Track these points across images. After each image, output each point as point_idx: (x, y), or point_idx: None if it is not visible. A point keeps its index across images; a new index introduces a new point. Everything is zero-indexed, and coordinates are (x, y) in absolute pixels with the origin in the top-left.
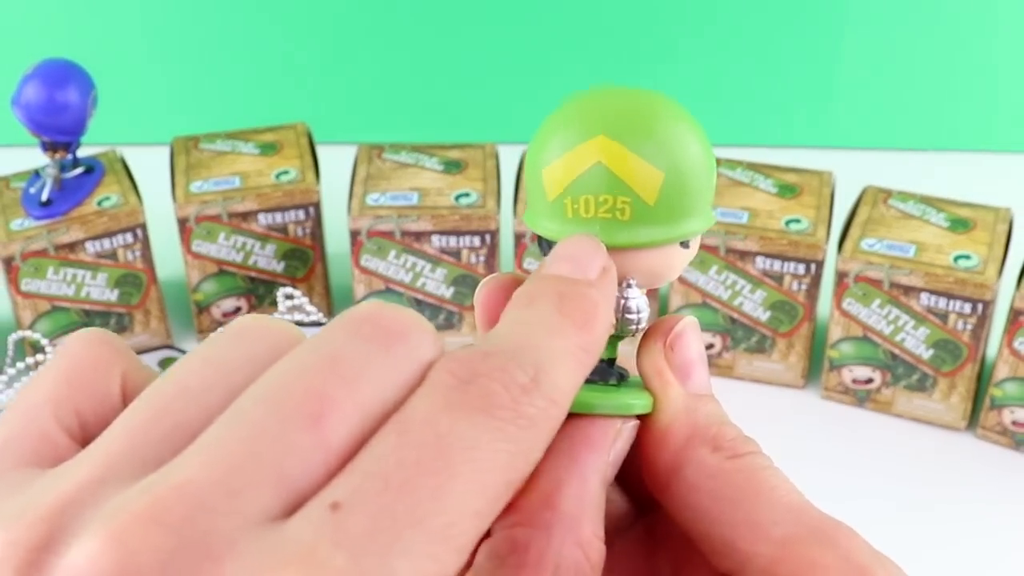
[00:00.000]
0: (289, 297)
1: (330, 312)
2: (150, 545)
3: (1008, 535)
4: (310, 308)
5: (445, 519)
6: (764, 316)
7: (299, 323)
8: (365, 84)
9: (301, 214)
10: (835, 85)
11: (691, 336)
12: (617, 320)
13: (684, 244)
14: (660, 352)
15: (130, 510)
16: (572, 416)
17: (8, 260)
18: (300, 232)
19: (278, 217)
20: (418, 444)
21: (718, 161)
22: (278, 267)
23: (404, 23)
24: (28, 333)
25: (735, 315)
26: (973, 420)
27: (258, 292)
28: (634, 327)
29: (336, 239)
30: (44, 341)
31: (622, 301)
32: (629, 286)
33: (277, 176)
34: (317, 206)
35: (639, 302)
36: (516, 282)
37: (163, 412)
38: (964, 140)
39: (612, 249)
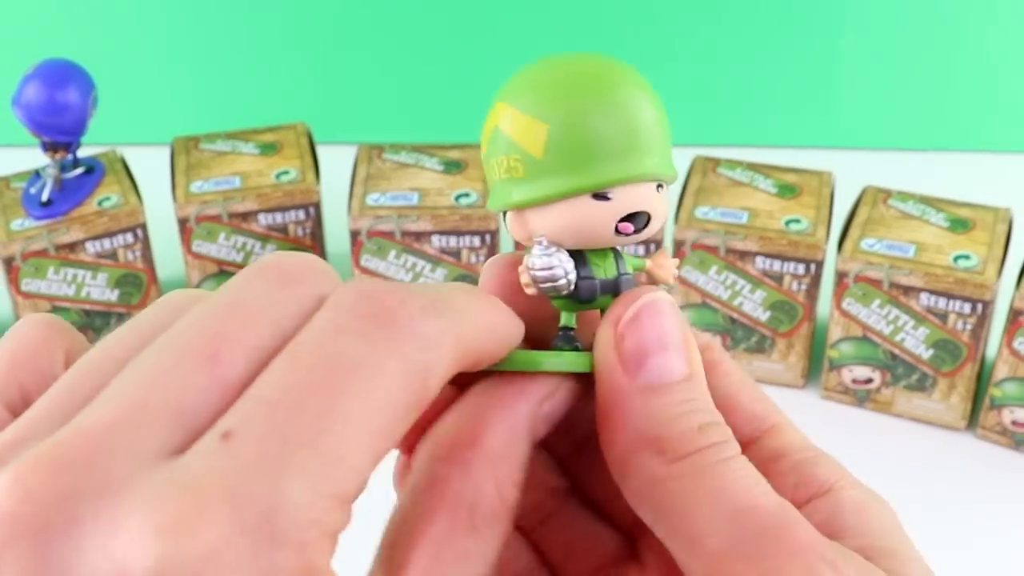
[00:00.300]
0: None
1: None
2: (49, 484)
3: (1008, 535)
4: None
5: (337, 438)
6: (764, 316)
7: None
8: (365, 84)
9: (301, 214)
10: (835, 85)
11: (650, 318)
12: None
13: (599, 196)
14: (609, 340)
15: (36, 455)
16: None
17: (8, 260)
18: (300, 232)
19: (278, 217)
20: (307, 366)
21: (717, 161)
22: None
23: (404, 23)
24: None
25: (735, 315)
26: (973, 420)
27: None
28: (549, 285)
29: (336, 239)
30: None
31: (529, 259)
32: (538, 243)
33: (277, 176)
34: (317, 206)
35: (550, 260)
36: (519, 261)
37: (86, 375)
38: (964, 140)
39: (515, 209)
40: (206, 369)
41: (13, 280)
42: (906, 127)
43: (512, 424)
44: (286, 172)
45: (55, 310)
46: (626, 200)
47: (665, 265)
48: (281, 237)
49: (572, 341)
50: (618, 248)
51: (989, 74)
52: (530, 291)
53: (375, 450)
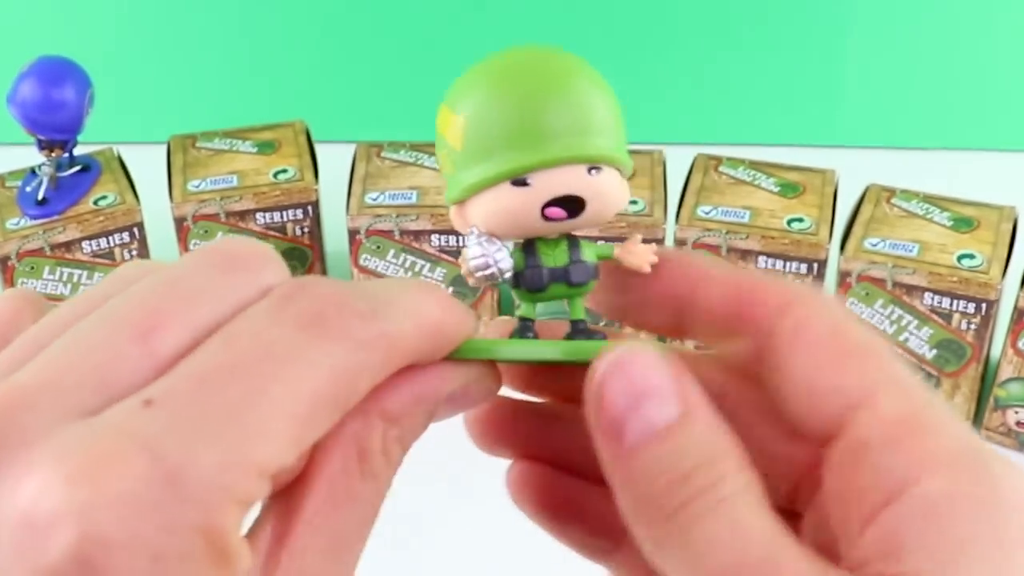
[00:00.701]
0: None
1: None
2: None
3: None
4: None
5: (257, 416)
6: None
7: None
8: (364, 82)
9: (299, 213)
10: (838, 83)
11: (617, 380)
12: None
13: (518, 183)
14: (591, 410)
15: None
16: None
17: (4, 260)
18: (298, 231)
19: (276, 216)
20: (240, 350)
21: (719, 159)
22: None
23: (403, 21)
24: None
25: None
26: (977, 421)
27: None
28: (480, 275)
29: (335, 238)
30: None
31: (464, 250)
32: (470, 234)
33: (275, 175)
34: (315, 205)
35: (478, 249)
36: None
37: (31, 341)
38: (968, 138)
39: (453, 204)
40: (139, 342)
41: (8, 279)
42: (910, 125)
43: (418, 397)
44: (284, 171)
45: None
46: (546, 185)
47: (635, 251)
48: (279, 236)
49: (526, 332)
50: (574, 235)
51: (993, 72)
52: (471, 281)
53: (295, 434)
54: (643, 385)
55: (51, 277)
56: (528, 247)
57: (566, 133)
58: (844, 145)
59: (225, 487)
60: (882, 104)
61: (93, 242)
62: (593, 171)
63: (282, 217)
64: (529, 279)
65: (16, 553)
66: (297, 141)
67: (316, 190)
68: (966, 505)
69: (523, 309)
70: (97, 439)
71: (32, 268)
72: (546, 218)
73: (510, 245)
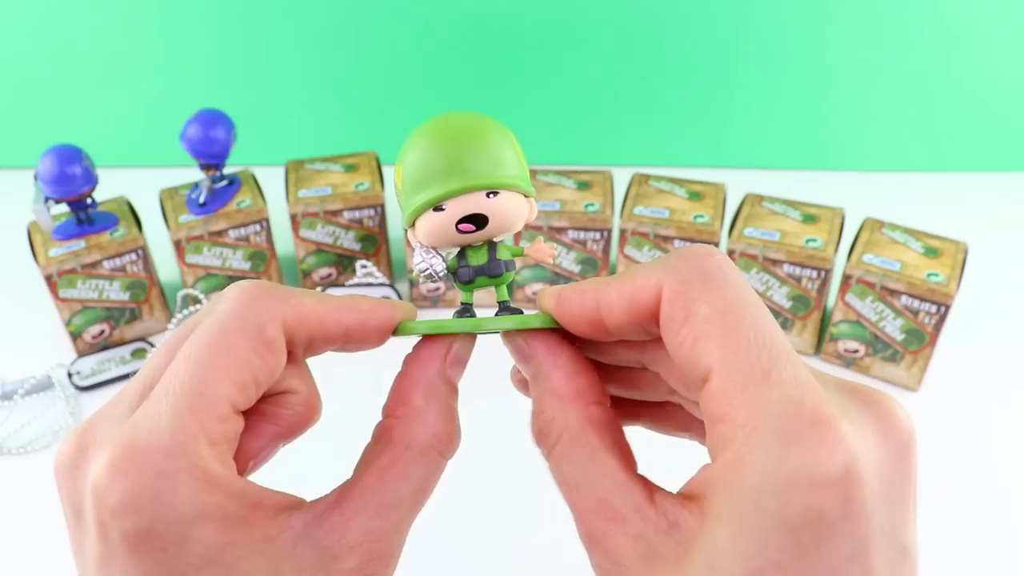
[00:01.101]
0: (364, 267)
1: (391, 277)
2: (74, 445)
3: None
4: (378, 274)
5: (201, 390)
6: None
7: (370, 284)
8: (419, 119)
9: (372, 212)
10: (832, 105)
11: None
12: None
13: (437, 208)
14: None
15: (73, 431)
16: (427, 337)
17: (177, 242)
18: (371, 223)
19: (357, 214)
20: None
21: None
22: (357, 247)
23: (463, 69)
24: (190, 290)
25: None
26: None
27: (343, 264)
28: (423, 276)
29: (397, 228)
30: (201, 296)
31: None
32: (417, 246)
33: (356, 186)
34: (383, 206)
35: (419, 257)
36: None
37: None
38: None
39: (406, 227)
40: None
41: (180, 255)
42: (900, 148)
43: (426, 383)
44: (362, 184)
45: (207, 276)
46: (457, 208)
47: (541, 249)
48: (359, 227)
49: (464, 312)
50: (494, 242)
51: (984, 93)
52: (418, 279)
53: (230, 401)
54: (521, 355)
55: (208, 253)
56: (461, 253)
57: (468, 171)
58: (846, 168)
59: (198, 436)
60: (874, 126)
61: (236, 231)
62: (491, 195)
63: (360, 214)
64: (461, 275)
65: (92, 507)
66: (370, 164)
67: (383, 196)
68: (719, 507)
69: (463, 296)
70: (121, 436)
71: (196, 248)
72: (460, 231)
73: (455, 252)
